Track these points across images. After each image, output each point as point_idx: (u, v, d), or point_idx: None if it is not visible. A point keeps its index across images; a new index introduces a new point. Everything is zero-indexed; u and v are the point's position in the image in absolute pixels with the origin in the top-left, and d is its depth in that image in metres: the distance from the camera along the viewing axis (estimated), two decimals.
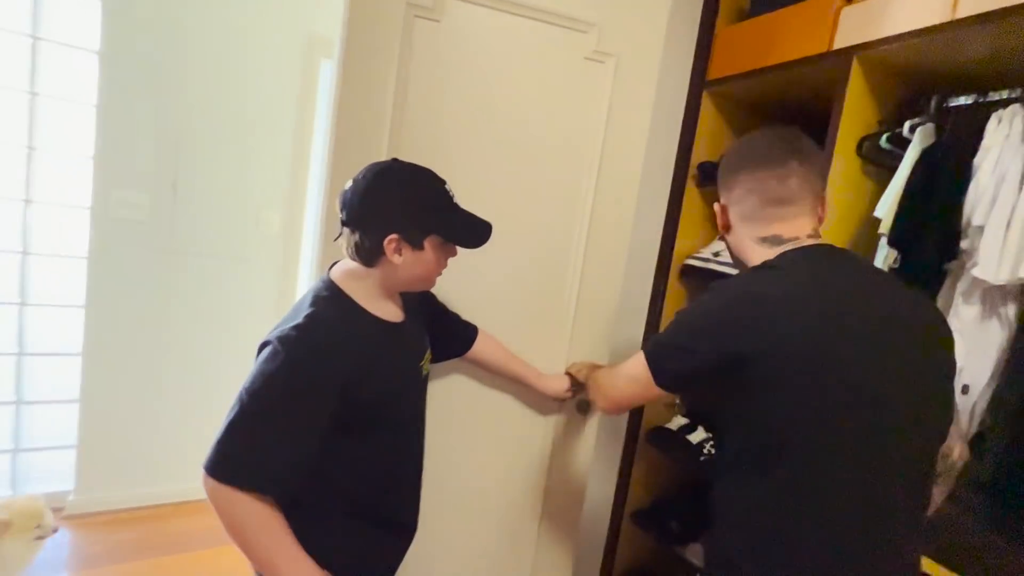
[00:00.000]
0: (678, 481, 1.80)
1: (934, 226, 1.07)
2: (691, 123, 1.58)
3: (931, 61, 1.16)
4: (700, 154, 1.59)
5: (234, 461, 0.77)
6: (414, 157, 0.92)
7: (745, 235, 0.85)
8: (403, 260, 0.85)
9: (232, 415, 0.77)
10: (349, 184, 0.85)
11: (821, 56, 1.25)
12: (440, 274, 0.93)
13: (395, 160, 0.89)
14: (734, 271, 1.46)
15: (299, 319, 0.81)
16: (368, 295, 0.89)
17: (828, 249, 0.80)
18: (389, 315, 0.92)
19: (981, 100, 1.12)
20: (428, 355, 1.03)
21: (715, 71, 1.54)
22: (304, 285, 2.66)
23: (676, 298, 1.66)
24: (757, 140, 0.87)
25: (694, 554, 1.54)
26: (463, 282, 1.19)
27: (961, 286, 1.04)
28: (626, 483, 1.72)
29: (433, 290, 1.10)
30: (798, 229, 0.81)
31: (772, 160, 0.81)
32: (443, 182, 0.88)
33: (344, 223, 0.85)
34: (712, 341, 0.74)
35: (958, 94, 1.16)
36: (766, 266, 0.78)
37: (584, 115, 1.27)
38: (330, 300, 0.86)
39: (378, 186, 0.83)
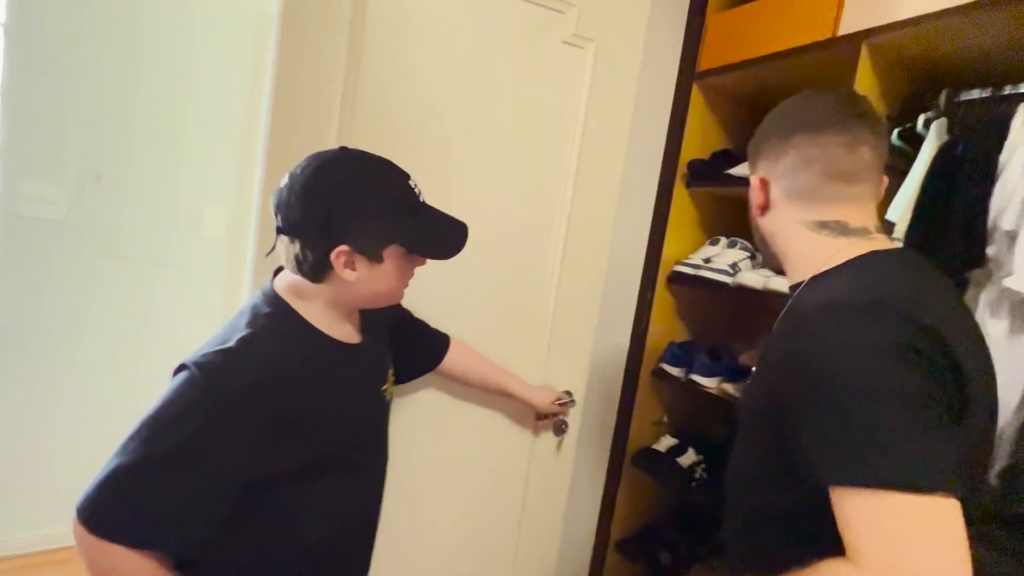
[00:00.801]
0: (667, 507, 1.67)
1: (955, 230, 0.96)
2: (679, 117, 1.46)
3: (943, 50, 1.06)
4: (689, 151, 1.46)
5: (115, 510, 0.59)
6: (369, 145, 0.75)
7: (792, 217, 0.66)
8: (357, 276, 0.67)
9: (124, 452, 0.59)
10: (285, 180, 0.67)
11: (826, 43, 1.14)
12: (407, 287, 0.76)
13: (344, 149, 0.71)
14: (726, 279, 1.34)
15: (231, 341, 0.64)
16: (319, 312, 0.72)
17: (924, 261, 0.64)
18: (345, 335, 0.75)
19: (997, 94, 1.03)
20: (391, 376, 0.86)
21: (706, 61, 1.41)
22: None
23: (664, 306, 1.53)
24: (815, 99, 0.68)
25: None
26: (425, 288, 1.02)
27: (987, 297, 0.93)
28: (610, 509, 1.58)
29: None
30: (866, 217, 0.64)
31: (839, 123, 0.63)
32: (406, 176, 0.71)
33: (280, 230, 0.67)
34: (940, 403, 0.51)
35: (971, 87, 1.07)
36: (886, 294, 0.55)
37: (561, 105, 1.14)
38: (273, 318, 0.69)
39: (322, 183, 0.65)
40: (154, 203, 1.79)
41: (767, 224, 0.71)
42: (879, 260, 0.60)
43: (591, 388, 1.45)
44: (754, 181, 0.71)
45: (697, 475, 1.42)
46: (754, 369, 0.77)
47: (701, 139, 1.48)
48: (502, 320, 1.15)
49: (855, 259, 0.61)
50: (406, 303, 0.98)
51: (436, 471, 1.12)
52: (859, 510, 0.46)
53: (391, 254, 0.69)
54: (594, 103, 1.16)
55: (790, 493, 0.59)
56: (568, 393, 1.17)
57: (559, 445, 1.23)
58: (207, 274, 1.91)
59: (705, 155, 1.47)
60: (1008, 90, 1.02)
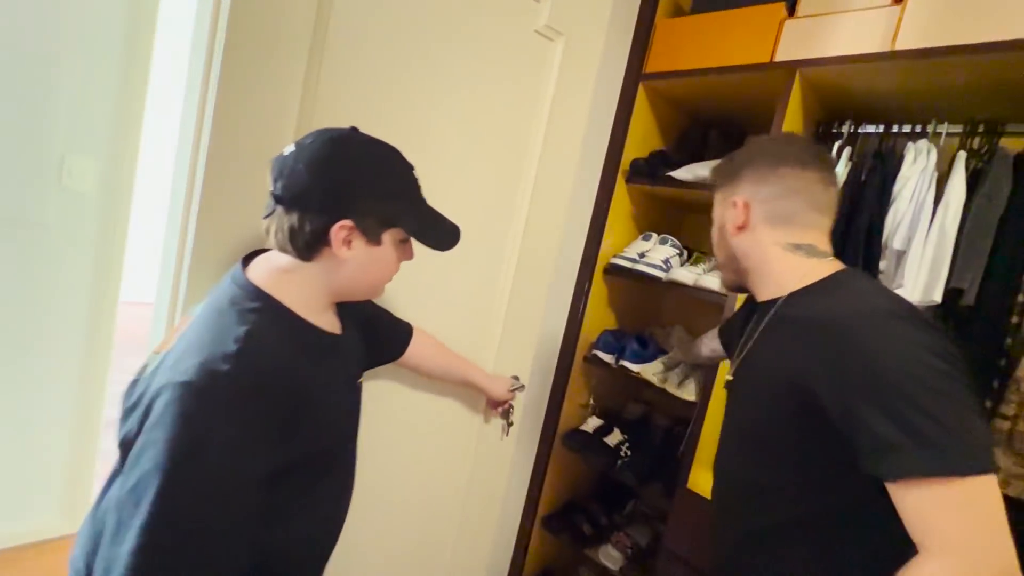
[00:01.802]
0: (589, 483, 1.79)
1: (855, 245, 1.14)
2: (625, 116, 1.51)
3: (853, 87, 1.23)
4: (631, 150, 1.53)
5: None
6: (331, 122, 0.69)
7: (769, 239, 0.74)
8: (351, 256, 0.63)
9: (149, 507, 0.49)
10: (291, 149, 0.61)
11: (763, 66, 1.25)
12: (390, 280, 0.72)
13: (355, 129, 0.66)
14: (660, 274, 1.45)
15: (228, 346, 0.55)
16: (309, 304, 0.65)
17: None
18: (329, 325, 0.69)
19: (888, 130, 1.23)
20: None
21: (652, 65, 1.48)
22: (138, 263, 2.08)
23: (599, 296, 1.61)
24: (797, 141, 0.78)
25: (605, 556, 1.53)
26: (397, 283, 0.97)
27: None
28: (539, 486, 1.65)
29: None
30: (827, 243, 0.74)
31: (821, 165, 0.73)
32: (411, 167, 0.68)
33: (278, 199, 0.61)
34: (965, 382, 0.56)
35: (870, 122, 1.26)
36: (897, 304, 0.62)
37: (529, 96, 1.13)
38: (264, 313, 0.61)
39: (336, 154, 0.61)
40: (4, 149, 1.43)
41: (742, 242, 0.77)
42: (857, 277, 0.69)
43: (535, 378, 1.49)
44: (738, 201, 0.76)
45: (623, 453, 1.53)
46: (741, 385, 0.78)
47: (642, 139, 1.55)
48: (463, 308, 1.12)
49: (834, 276, 0.69)
50: None
51: (389, 453, 1.08)
52: (934, 499, 0.50)
53: (391, 238, 0.66)
54: (559, 96, 1.16)
55: (806, 504, 0.64)
56: (517, 378, 1.19)
57: (504, 428, 1.24)
58: (73, 236, 1.58)
59: (644, 154, 1.55)
60: (895, 128, 1.22)
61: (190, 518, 0.51)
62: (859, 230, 1.13)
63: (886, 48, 1.08)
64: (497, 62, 1.05)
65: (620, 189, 1.55)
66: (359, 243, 0.63)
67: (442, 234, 0.71)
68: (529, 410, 1.60)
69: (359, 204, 0.61)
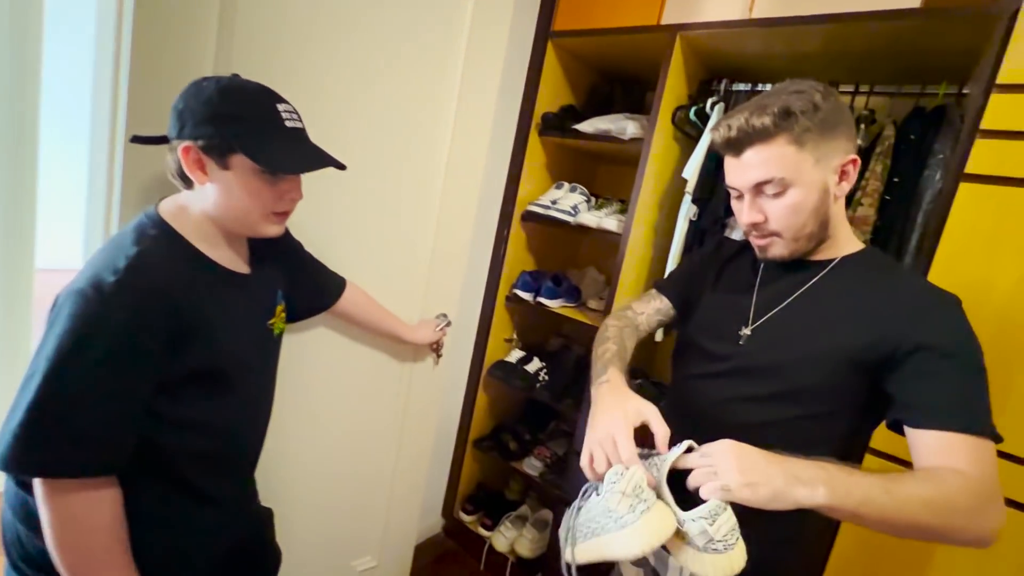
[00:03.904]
0: (517, 408, 2.01)
1: (721, 189, 1.35)
2: (535, 72, 1.63)
3: (726, 50, 1.41)
4: (543, 104, 1.66)
5: (47, 444, 0.61)
6: (248, 71, 0.76)
7: (842, 201, 0.76)
8: (212, 183, 0.70)
9: (33, 387, 0.60)
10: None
11: (651, 28, 1.40)
12: (276, 216, 0.76)
13: (235, 76, 0.73)
14: (568, 219, 1.62)
15: (118, 262, 0.64)
16: (203, 235, 0.74)
17: None
18: (231, 263, 0.78)
19: (753, 88, 1.43)
20: (281, 312, 0.91)
21: (560, 23, 1.59)
22: (58, 229, 2.02)
23: (517, 241, 1.77)
24: (835, 94, 0.74)
25: (528, 466, 1.77)
26: (318, 227, 1.07)
27: (735, 235, 1.35)
28: (470, 413, 1.85)
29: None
30: None
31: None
32: (277, 99, 0.72)
33: (168, 137, 0.71)
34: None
35: (740, 80, 1.45)
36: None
37: (443, 53, 1.20)
38: (159, 239, 0.70)
39: (191, 91, 0.70)
40: None
41: (840, 207, 0.77)
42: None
43: (459, 317, 1.65)
44: (848, 162, 0.72)
45: (541, 378, 1.75)
46: (771, 332, 0.78)
47: (553, 93, 1.68)
48: (392, 254, 1.23)
49: (877, 251, 0.80)
50: (300, 239, 1.02)
51: (329, 387, 1.21)
52: (968, 449, 0.62)
53: (239, 165, 0.69)
54: (472, 50, 1.24)
55: (805, 435, 0.72)
56: (444, 315, 1.34)
57: (435, 362, 1.41)
58: None
59: (555, 108, 1.69)
60: (759, 87, 1.42)
61: (73, 402, 0.60)
62: (721, 178, 1.33)
63: (745, 16, 1.26)
64: (412, 19, 1.11)
65: (534, 141, 1.69)
66: (213, 168, 0.69)
67: (285, 157, 0.70)
68: (459, 346, 1.77)
69: (196, 129, 0.67)
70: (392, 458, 1.40)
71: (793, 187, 0.71)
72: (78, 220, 0.94)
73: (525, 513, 1.87)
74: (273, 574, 1.07)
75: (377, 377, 1.31)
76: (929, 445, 0.64)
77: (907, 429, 0.67)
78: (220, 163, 0.69)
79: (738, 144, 0.72)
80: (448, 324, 1.34)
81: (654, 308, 0.98)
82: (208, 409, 0.76)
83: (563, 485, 1.63)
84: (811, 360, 0.73)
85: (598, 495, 0.59)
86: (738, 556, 0.55)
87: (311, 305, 1.03)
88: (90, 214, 0.87)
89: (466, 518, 1.87)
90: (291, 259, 0.97)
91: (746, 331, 0.80)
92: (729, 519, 0.55)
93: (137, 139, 0.73)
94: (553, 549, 1.65)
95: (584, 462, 0.64)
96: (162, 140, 0.72)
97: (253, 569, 1.03)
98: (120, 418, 0.64)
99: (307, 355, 1.15)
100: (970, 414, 0.63)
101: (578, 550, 0.60)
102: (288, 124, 0.72)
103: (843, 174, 0.73)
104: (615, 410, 0.66)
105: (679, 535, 0.56)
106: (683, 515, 0.56)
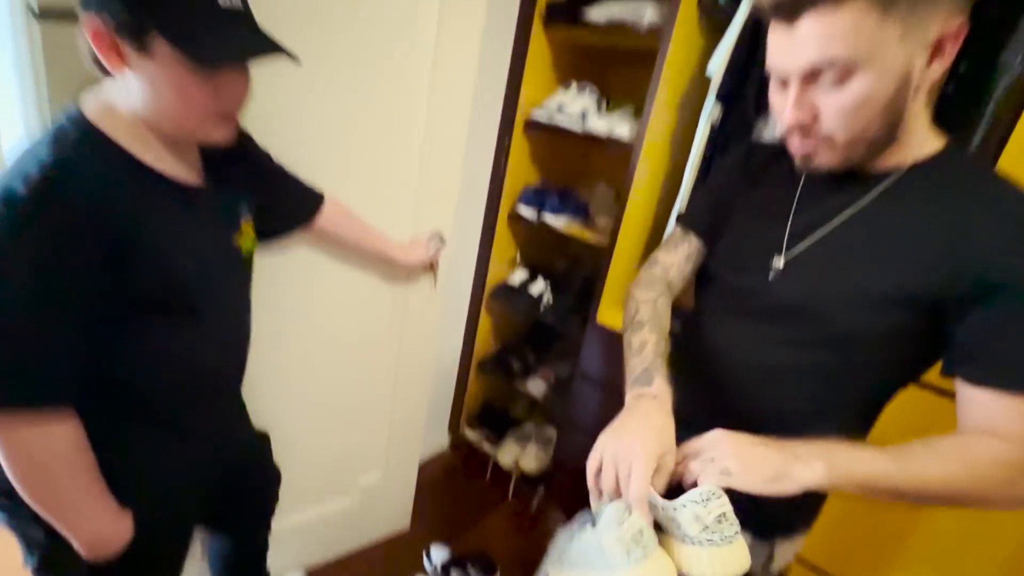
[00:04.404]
0: (521, 330, 1.97)
1: (753, 86, 1.17)
2: None
3: None
4: None
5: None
6: None
7: (924, 99, 0.56)
8: (133, 74, 0.58)
9: None
10: None
11: None
12: (218, 118, 0.64)
13: None
14: (576, 127, 1.45)
15: (30, 168, 0.55)
16: (138, 138, 0.62)
17: None
18: (177, 172, 0.67)
19: None
20: (248, 229, 0.81)
21: None
22: None
23: (521, 152, 1.62)
24: None
25: (532, 387, 1.75)
26: (292, 139, 0.95)
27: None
28: (472, 337, 1.81)
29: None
30: None
31: None
32: None
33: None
34: None
35: None
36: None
37: None
38: (82, 144, 0.59)
39: None
40: None
41: (919, 98, 0.56)
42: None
43: (455, 231, 1.55)
44: (946, 31, 0.50)
45: (545, 300, 1.68)
46: (817, 259, 0.63)
47: None
48: (375, 165, 1.11)
49: (960, 153, 0.60)
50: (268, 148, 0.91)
51: (318, 312, 1.16)
52: (1015, 410, 0.52)
53: (161, 52, 0.56)
54: None
55: (865, 400, 0.64)
56: (438, 235, 1.25)
57: (428, 285, 1.33)
58: None
59: None
60: None
61: (9, 311, 0.54)
62: (753, 72, 1.15)
63: None
64: None
65: (538, 35, 1.48)
66: (132, 55, 0.56)
67: (216, 43, 0.57)
68: (460, 267, 1.69)
69: (104, 1, 0.54)
70: (391, 377, 1.38)
71: (862, 72, 0.51)
72: None
73: (529, 431, 1.90)
74: (273, 494, 1.09)
75: (371, 300, 1.25)
76: (982, 405, 0.54)
77: (960, 384, 0.56)
78: (138, 48, 0.56)
79: (794, 5, 0.51)
80: (443, 244, 1.25)
81: (683, 255, 0.82)
82: (175, 339, 0.70)
83: (566, 407, 1.62)
84: (858, 300, 0.59)
85: (593, 528, 0.52)
86: (740, 551, 0.49)
87: (285, 222, 0.94)
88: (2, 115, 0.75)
89: (472, 435, 1.90)
90: (257, 170, 0.86)
91: (778, 262, 0.65)
92: (724, 504, 0.49)
93: (44, 15, 0.60)
94: (556, 464, 1.68)
95: (591, 470, 0.55)
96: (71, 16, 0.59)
97: (252, 493, 1.03)
98: (52, 348, 0.58)
99: (297, 279, 1.09)
100: None
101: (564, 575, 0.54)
102: (223, 2, 0.58)
103: (937, 51, 0.52)
104: (650, 440, 0.54)
105: (672, 539, 0.51)
106: (670, 504, 0.50)
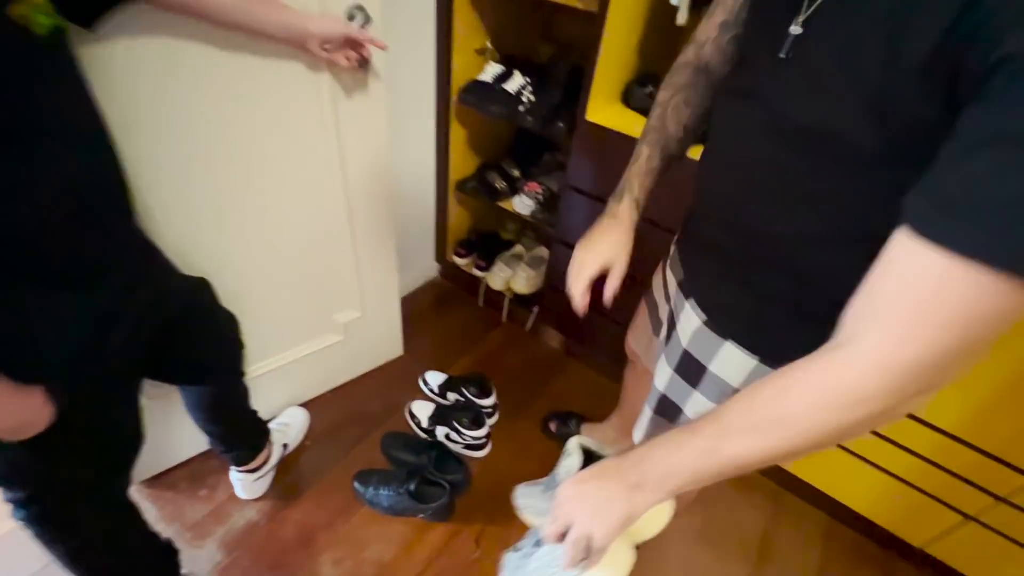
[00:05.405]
0: (503, 142, 1.69)
1: None
2: None
3: None
4: None
5: None
6: None
7: None
8: None
9: None
10: None
11: None
12: None
13: None
14: None
15: None
16: None
17: None
18: None
19: None
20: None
21: None
22: None
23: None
24: None
25: (519, 204, 1.56)
26: None
27: None
28: (445, 152, 1.56)
29: None
30: None
31: None
32: None
33: None
34: None
35: None
36: None
37: None
38: None
39: None
40: None
41: None
42: None
43: (398, 10, 1.19)
44: None
45: (525, 98, 1.38)
46: (828, 34, 0.48)
47: None
48: None
49: None
50: None
51: (233, 133, 0.93)
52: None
53: None
54: None
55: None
56: (361, 8, 0.91)
57: (367, 83, 1.04)
58: None
59: None
60: None
61: None
62: None
63: None
64: None
65: None
66: None
67: None
68: (414, 62, 1.36)
69: None
70: (342, 206, 1.19)
71: None
72: None
73: (519, 252, 1.78)
74: (229, 338, 1.00)
75: (293, 112, 0.98)
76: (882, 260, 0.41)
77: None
78: None
79: None
80: (368, 20, 0.92)
81: (719, 21, 0.67)
82: None
83: (556, 223, 1.44)
84: (889, 68, 0.42)
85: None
86: None
87: None
88: None
89: (460, 261, 1.79)
90: None
91: (795, 27, 0.50)
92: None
93: None
94: (549, 284, 1.58)
95: (553, 534, 0.54)
96: None
97: (202, 341, 0.94)
98: None
99: (190, 89, 0.83)
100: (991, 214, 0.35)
101: None
102: None
103: None
104: (609, 519, 0.50)
105: None
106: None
